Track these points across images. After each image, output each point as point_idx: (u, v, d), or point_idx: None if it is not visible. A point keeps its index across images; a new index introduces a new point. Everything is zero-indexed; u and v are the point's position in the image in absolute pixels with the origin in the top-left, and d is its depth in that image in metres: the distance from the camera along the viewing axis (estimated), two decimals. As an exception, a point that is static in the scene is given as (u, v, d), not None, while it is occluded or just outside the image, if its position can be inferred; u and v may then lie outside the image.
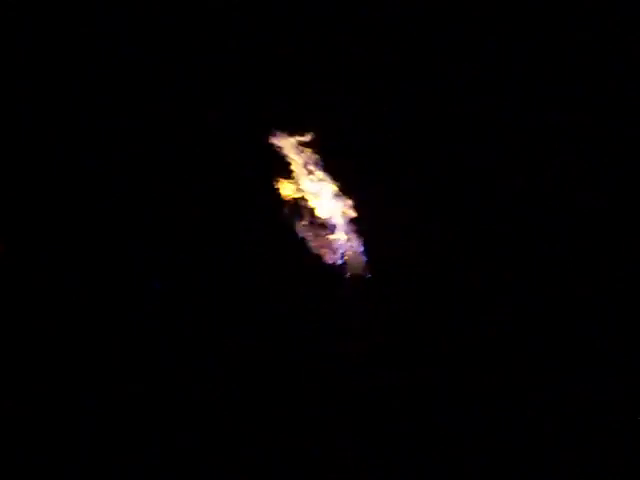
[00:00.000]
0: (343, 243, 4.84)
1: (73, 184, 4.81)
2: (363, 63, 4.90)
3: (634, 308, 4.69)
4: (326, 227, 4.85)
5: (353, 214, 4.84)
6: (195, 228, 4.81)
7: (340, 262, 4.82)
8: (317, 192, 4.86)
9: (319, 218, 4.85)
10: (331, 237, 4.84)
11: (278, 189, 4.82)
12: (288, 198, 4.82)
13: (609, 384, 4.60)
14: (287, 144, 4.82)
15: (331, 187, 4.86)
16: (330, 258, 4.84)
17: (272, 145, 4.81)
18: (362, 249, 4.84)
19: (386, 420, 4.64)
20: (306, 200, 4.84)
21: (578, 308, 4.71)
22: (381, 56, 4.90)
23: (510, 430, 4.59)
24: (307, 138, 4.81)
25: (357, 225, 4.85)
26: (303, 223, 4.84)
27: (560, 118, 4.85)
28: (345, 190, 4.85)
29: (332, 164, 4.86)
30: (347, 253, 4.84)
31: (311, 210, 4.85)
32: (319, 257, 4.82)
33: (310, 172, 4.86)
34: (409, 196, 4.85)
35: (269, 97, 4.86)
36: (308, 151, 4.84)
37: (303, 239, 4.82)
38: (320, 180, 4.86)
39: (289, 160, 4.83)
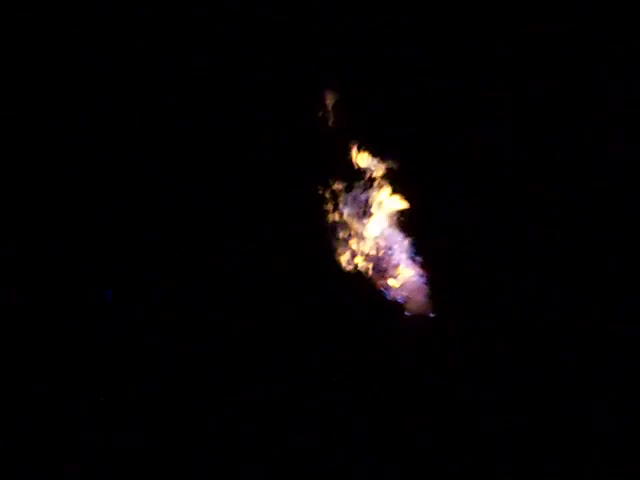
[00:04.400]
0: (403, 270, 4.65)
1: (72, 186, 4.81)
2: (363, 62, 4.90)
3: (634, 308, 4.69)
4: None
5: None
6: (198, 231, 4.81)
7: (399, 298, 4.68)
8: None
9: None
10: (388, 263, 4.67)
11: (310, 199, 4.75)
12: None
13: (611, 387, 4.60)
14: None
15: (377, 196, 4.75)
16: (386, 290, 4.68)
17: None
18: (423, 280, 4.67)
19: (386, 420, 4.65)
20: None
21: (579, 309, 4.71)
22: (382, 56, 4.89)
23: (510, 431, 4.60)
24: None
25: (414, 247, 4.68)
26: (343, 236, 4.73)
27: (560, 118, 4.85)
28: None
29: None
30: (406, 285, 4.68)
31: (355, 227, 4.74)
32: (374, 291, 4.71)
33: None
34: (409, 196, 4.85)
35: (270, 96, 4.86)
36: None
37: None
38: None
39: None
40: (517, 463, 4.57)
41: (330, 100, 4.81)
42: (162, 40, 4.84)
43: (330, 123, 4.78)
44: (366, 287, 4.74)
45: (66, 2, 4.83)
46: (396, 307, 4.74)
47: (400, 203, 4.76)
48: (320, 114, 4.78)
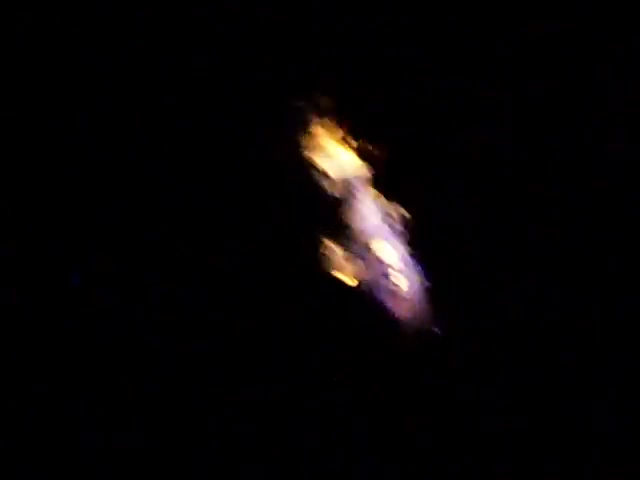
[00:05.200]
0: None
1: (72, 186, 4.81)
2: (363, 62, 4.90)
3: (634, 308, 4.68)
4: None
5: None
6: (198, 231, 4.81)
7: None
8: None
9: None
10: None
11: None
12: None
13: (611, 387, 4.60)
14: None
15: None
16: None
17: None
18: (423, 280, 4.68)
19: (386, 420, 4.64)
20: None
21: (579, 309, 4.70)
22: (382, 56, 4.89)
23: (510, 431, 4.60)
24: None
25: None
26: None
27: (560, 118, 4.85)
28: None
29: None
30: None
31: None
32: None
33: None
34: (409, 196, 4.85)
35: (270, 96, 4.85)
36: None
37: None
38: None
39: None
40: (517, 463, 4.57)
41: (330, 100, 4.81)
42: (162, 40, 4.84)
43: (330, 123, 4.78)
44: (366, 287, 4.74)
45: (66, 2, 4.84)
46: (396, 307, 4.74)
47: (400, 203, 4.76)
48: (320, 114, 4.78)
